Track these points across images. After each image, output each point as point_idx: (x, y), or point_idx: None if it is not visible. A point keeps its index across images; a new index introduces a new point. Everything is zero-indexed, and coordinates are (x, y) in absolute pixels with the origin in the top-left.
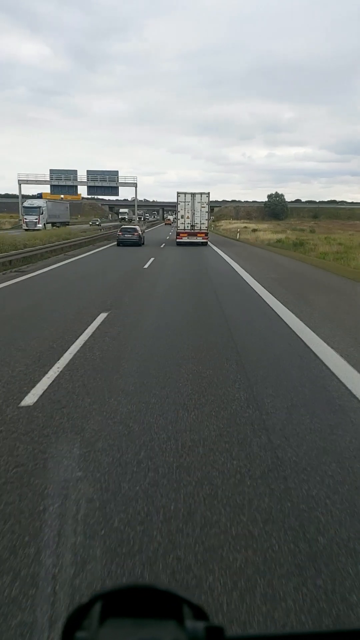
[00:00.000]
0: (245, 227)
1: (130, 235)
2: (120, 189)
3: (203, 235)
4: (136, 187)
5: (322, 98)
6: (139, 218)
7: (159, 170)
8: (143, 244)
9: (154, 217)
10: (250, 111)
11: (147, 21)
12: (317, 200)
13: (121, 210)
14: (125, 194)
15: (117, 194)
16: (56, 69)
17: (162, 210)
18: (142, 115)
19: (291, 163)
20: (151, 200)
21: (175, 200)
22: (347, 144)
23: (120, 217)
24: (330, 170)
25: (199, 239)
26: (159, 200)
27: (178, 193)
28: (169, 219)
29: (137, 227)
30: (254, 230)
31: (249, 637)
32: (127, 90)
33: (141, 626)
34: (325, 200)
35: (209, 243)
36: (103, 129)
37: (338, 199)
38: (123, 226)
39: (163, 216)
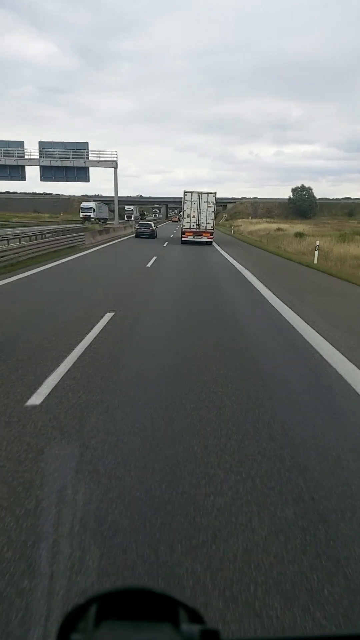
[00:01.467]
0: (279, 228)
1: (146, 229)
2: (93, 171)
3: (208, 234)
4: (116, 168)
5: (330, 96)
6: (127, 217)
7: (166, 168)
8: (156, 237)
9: (156, 215)
10: (257, 109)
11: (153, 19)
12: (331, 198)
13: (84, 204)
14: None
15: (85, 178)
16: (63, 68)
17: (166, 207)
18: (149, 114)
19: (299, 161)
20: (154, 196)
21: (181, 196)
22: (356, 142)
23: (82, 214)
24: (338, 168)
25: (204, 238)
26: (162, 196)
27: (184, 192)
28: (176, 216)
29: (151, 223)
30: (300, 234)
31: None
32: (134, 88)
33: (137, 629)
34: (340, 197)
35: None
36: (110, 127)
37: (350, 197)
38: (140, 222)
39: (167, 214)
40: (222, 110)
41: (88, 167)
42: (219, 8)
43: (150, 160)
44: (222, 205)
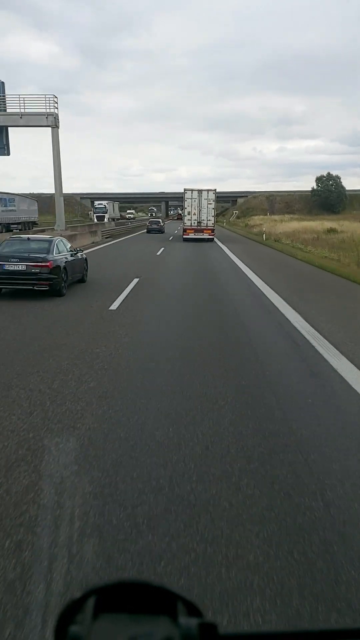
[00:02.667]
0: (332, 229)
1: (156, 226)
2: (20, 133)
3: (209, 231)
4: (56, 127)
5: (334, 89)
6: (97, 218)
7: (170, 167)
8: (164, 232)
9: (153, 214)
10: (261, 105)
11: (156, 17)
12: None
13: None
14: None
15: (3, 150)
16: (65, 67)
17: (166, 204)
18: (152, 112)
19: (303, 156)
20: (149, 192)
21: (181, 191)
22: None
23: None
24: (342, 163)
25: (205, 235)
26: (160, 191)
27: (185, 190)
28: (180, 214)
29: (159, 220)
30: None
31: (242, 634)
32: (137, 87)
33: (134, 622)
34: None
35: None
36: (114, 126)
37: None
38: (150, 219)
39: (167, 212)
40: (225, 108)
41: (6, 128)
42: (220, 4)
43: (154, 159)
44: (230, 200)
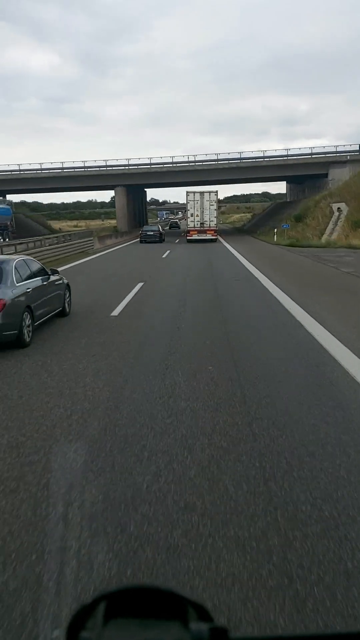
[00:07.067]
0: None
1: (175, 224)
2: None
3: (212, 232)
4: None
5: (337, 86)
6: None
7: None
8: (180, 228)
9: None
10: (264, 105)
11: (154, 21)
12: None
13: None
14: None
15: None
16: (66, 77)
17: (139, 197)
18: (156, 117)
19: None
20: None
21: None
22: None
23: None
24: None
25: (209, 236)
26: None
27: (187, 192)
28: (183, 216)
29: (177, 220)
30: None
31: (253, 639)
32: (139, 92)
33: (145, 627)
34: None
35: None
36: (118, 133)
37: None
38: (171, 220)
39: (142, 215)
40: (229, 109)
41: None
42: (220, 3)
43: None
44: (303, 177)
